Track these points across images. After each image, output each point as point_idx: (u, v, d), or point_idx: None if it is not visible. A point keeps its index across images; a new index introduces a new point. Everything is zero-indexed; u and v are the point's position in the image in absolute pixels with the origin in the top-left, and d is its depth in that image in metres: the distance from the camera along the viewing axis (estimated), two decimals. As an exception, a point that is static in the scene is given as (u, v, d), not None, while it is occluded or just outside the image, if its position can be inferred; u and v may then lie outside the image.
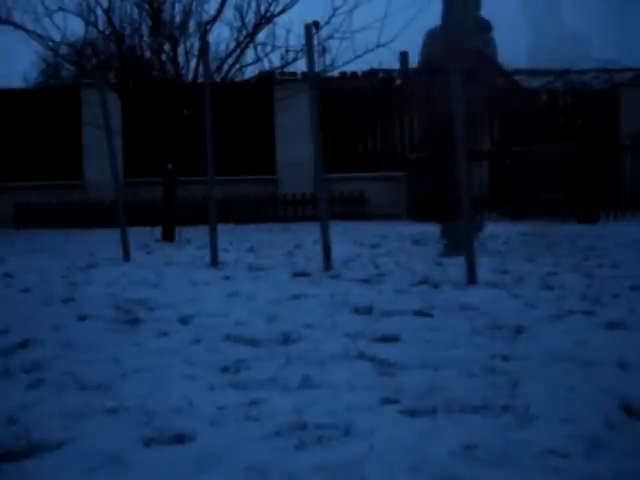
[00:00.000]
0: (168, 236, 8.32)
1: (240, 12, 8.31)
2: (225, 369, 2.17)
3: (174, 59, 8.33)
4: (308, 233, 8.13)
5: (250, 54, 8.49)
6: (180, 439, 1.59)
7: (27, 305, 3.58)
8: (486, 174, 11.76)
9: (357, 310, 3.12)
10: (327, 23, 8.35)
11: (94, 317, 3.12)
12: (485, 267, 4.29)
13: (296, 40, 8.34)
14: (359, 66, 14.12)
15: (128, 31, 8.49)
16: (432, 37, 5.74)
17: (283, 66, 8.87)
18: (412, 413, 1.72)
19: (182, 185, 9.25)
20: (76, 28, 8.57)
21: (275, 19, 8.40)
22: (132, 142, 12.41)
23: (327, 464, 1.42)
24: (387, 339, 2.53)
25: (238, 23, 8.33)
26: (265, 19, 8.36)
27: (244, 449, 1.52)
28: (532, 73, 15.88)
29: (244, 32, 8.32)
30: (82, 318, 3.11)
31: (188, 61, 8.33)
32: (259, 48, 8.43)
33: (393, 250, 6.24)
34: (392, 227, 9.84)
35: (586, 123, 12.32)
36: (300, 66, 9.19)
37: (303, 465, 1.42)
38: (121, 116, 11.32)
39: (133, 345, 2.55)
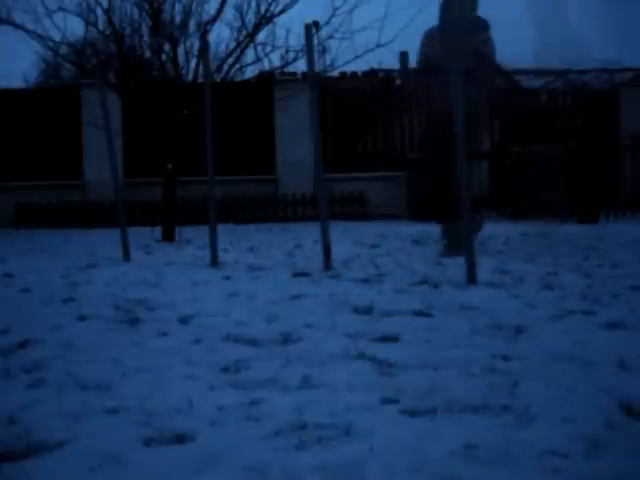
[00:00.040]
0: (168, 236, 8.32)
1: (240, 12, 8.32)
2: (225, 369, 2.17)
3: (174, 59, 8.33)
4: (308, 233, 8.13)
5: (250, 54, 8.51)
6: (180, 439, 1.59)
7: (27, 305, 3.58)
8: (486, 174, 11.76)
9: (357, 310, 3.12)
10: (327, 23, 8.36)
11: (94, 317, 3.12)
12: (485, 267, 4.29)
13: (296, 40, 8.35)
14: (359, 66, 14.14)
15: (128, 31, 8.49)
16: (430, 37, 5.75)
17: (283, 66, 8.88)
18: (412, 413, 1.72)
19: (182, 185, 9.25)
20: (76, 28, 8.58)
21: (275, 19, 8.41)
22: (132, 142, 12.41)
23: (327, 464, 1.42)
24: (387, 339, 2.53)
25: (238, 23, 8.35)
26: (265, 19, 8.36)
27: (244, 449, 1.52)
28: (532, 73, 15.88)
29: (244, 32, 8.33)
30: (82, 318, 3.11)
31: (188, 61, 8.34)
32: (259, 48, 8.44)
33: (393, 250, 6.24)
34: (392, 227, 9.84)
35: (586, 123, 12.32)
36: (300, 66, 9.21)
37: (303, 465, 1.42)
38: (121, 116, 11.32)
39: (133, 345, 2.55)
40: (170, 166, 8.41)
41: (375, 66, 13.34)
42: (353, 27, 8.42)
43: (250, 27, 8.33)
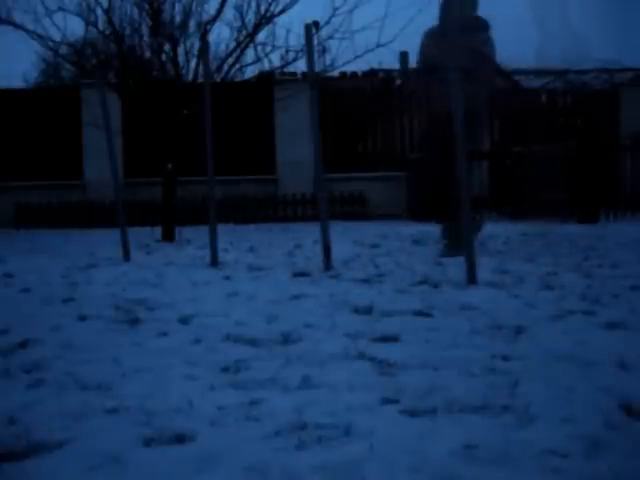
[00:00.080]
0: (168, 236, 8.32)
1: (240, 12, 8.33)
2: (225, 369, 2.17)
3: (174, 59, 8.33)
4: (308, 233, 8.13)
5: (250, 54, 8.51)
6: (180, 439, 1.59)
7: (27, 305, 3.58)
8: (486, 174, 11.77)
9: (357, 310, 3.12)
10: (327, 23, 8.36)
11: (94, 317, 3.12)
12: (485, 267, 4.29)
13: (296, 40, 8.36)
14: (359, 66, 14.16)
15: (128, 31, 8.49)
16: (430, 37, 5.75)
17: (283, 66, 8.88)
18: (412, 413, 1.72)
19: (182, 185, 9.25)
20: (76, 28, 8.58)
21: (275, 19, 8.42)
22: (132, 142, 12.41)
23: (327, 464, 1.42)
24: (387, 339, 2.53)
25: (238, 23, 8.35)
26: (265, 19, 8.36)
27: (244, 449, 1.52)
28: (532, 73, 15.88)
29: (244, 32, 8.33)
30: (82, 318, 3.11)
31: (188, 61, 8.34)
32: (259, 48, 8.44)
33: (393, 250, 6.24)
34: (392, 227, 9.84)
35: (586, 123, 12.33)
36: (300, 66, 9.22)
37: (303, 465, 1.42)
38: (121, 116, 11.32)
39: (133, 345, 2.55)
40: (170, 166, 8.41)
41: (375, 66, 13.36)
42: (353, 27, 8.44)
43: (250, 27, 8.34)
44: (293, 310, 3.19)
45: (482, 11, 5.78)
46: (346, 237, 7.66)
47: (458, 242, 4.80)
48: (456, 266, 4.38)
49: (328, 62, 8.68)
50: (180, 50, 8.32)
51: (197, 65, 8.14)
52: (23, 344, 2.57)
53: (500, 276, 4.13)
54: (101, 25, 8.36)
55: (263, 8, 8.32)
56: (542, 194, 10.47)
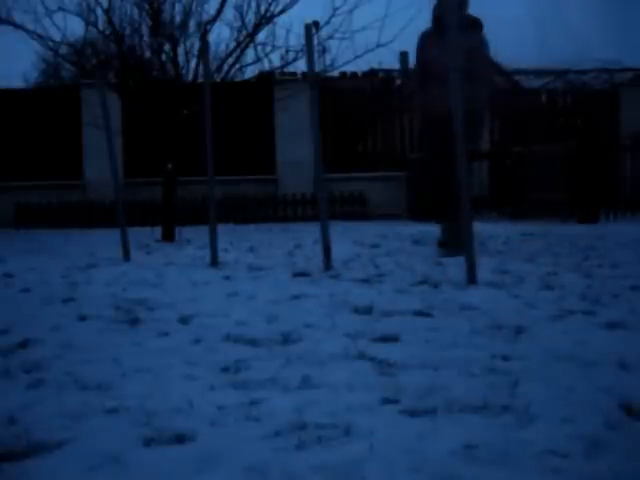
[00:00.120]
0: (168, 236, 8.32)
1: (240, 12, 8.33)
2: (225, 369, 2.17)
3: (174, 59, 8.34)
4: (308, 233, 8.13)
5: (250, 54, 8.52)
6: (180, 439, 1.59)
7: (27, 305, 3.58)
8: (486, 174, 11.77)
9: (357, 310, 3.12)
10: (327, 23, 8.37)
11: (94, 317, 3.12)
12: (485, 267, 4.29)
13: (296, 40, 8.36)
14: (359, 66, 14.15)
15: (128, 31, 8.50)
16: (425, 38, 5.76)
17: (283, 66, 8.88)
18: (412, 413, 1.72)
19: (182, 185, 9.26)
20: (76, 28, 8.59)
21: (275, 19, 8.42)
22: (132, 142, 12.41)
23: (327, 464, 1.42)
24: (387, 339, 2.53)
25: (238, 23, 8.36)
26: (265, 19, 8.37)
27: (244, 449, 1.52)
28: (532, 73, 15.88)
29: (244, 32, 8.33)
30: (82, 318, 3.11)
31: (188, 61, 8.34)
32: (259, 48, 8.45)
33: (393, 250, 6.24)
34: (392, 227, 9.84)
35: (586, 123, 12.33)
36: (300, 66, 9.22)
37: (303, 465, 1.42)
38: (121, 116, 11.32)
39: (133, 345, 2.55)
40: (170, 166, 8.41)
41: (375, 66, 13.35)
42: (353, 27, 8.45)
43: (250, 27, 8.34)
44: (293, 310, 3.19)
45: (482, 11, 5.79)
46: (346, 237, 7.66)
47: (458, 242, 4.79)
48: (456, 266, 4.38)
49: (328, 62, 8.70)
50: (180, 50, 8.34)
51: (197, 65, 8.15)
52: (23, 344, 2.57)
53: (500, 276, 4.13)
54: (101, 25, 8.38)
55: (263, 8, 8.34)
56: (542, 194, 10.47)
